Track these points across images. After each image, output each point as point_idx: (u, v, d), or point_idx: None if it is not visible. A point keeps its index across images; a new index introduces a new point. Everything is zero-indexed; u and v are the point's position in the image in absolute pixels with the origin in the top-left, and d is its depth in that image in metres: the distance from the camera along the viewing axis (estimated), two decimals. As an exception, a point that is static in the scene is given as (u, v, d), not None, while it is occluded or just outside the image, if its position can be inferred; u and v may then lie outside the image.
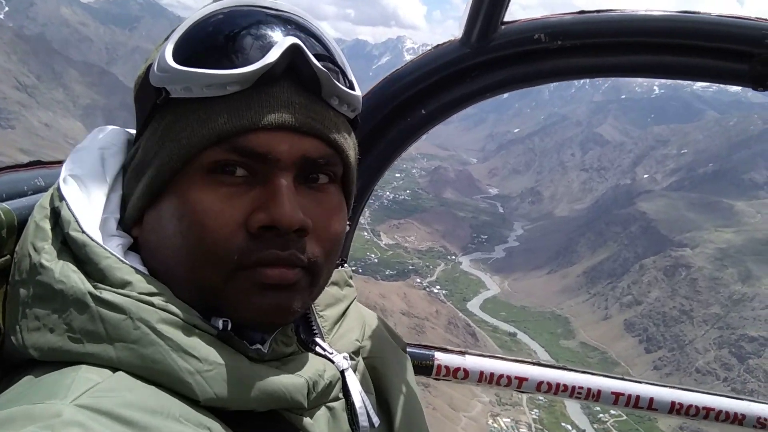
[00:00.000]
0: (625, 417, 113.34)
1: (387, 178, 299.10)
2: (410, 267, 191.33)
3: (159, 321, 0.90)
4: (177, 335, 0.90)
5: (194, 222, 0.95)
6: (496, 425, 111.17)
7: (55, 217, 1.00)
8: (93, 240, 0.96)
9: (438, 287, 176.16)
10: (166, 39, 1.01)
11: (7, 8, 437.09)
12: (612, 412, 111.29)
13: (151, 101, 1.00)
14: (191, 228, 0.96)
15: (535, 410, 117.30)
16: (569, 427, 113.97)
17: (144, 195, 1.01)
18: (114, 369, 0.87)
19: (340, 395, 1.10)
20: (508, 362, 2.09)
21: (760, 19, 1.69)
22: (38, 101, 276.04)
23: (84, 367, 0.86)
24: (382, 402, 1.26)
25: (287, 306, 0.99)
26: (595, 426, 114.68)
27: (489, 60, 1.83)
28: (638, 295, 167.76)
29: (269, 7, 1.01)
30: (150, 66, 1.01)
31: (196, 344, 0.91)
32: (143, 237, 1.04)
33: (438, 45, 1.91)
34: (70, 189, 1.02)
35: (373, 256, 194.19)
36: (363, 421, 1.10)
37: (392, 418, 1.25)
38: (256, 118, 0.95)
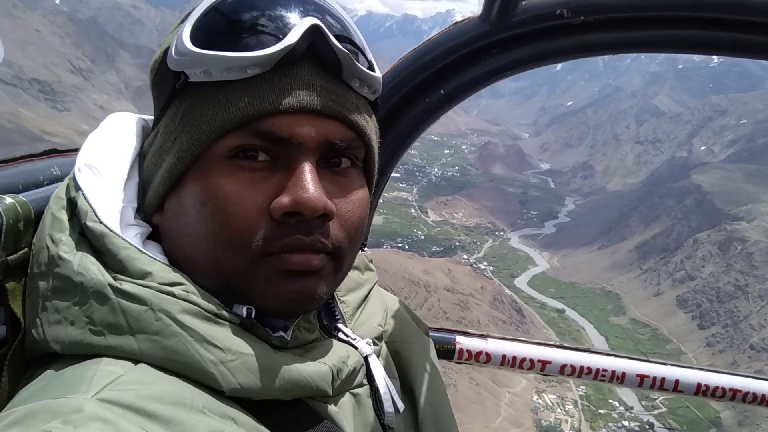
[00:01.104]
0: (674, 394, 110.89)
1: (436, 155, 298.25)
2: (457, 243, 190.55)
3: (180, 311, 0.88)
4: (199, 325, 0.89)
5: (217, 208, 0.93)
6: (541, 401, 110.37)
7: (72, 207, 0.99)
8: (111, 230, 0.94)
9: (485, 264, 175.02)
10: (183, 21, 0.98)
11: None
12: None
13: (170, 86, 0.98)
14: (214, 214, 0.94)
15: (582, 387, 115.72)
16: (616, 403, 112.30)
17: (164, 181, 0.99)
18: (136, 361, 0.86)
19: (365, 381, 1.09)
20: (530, 345, 2.05)
21: (791, -9, 1.65)
22: (93, 84, 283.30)
23: (105, 359, 0.85)
24: (406, 387, 1.25)
25: (312, 292, 0.97)
26: (644, 403, 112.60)
27: (509, 37, 1.79)
28: (691, 270, 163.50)
29: None
30: (167, 50, 0.98)
31: (219, 334, 0.89)
32: (164, 224, 1.02)
33: (456, 22, 1.84)
34: (85, 178, 1.00)
35: (419, 233, 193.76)
36: (388, 406, 1.09)
37: (417, 403, 1.24)
38: (277, 101, 0.93)
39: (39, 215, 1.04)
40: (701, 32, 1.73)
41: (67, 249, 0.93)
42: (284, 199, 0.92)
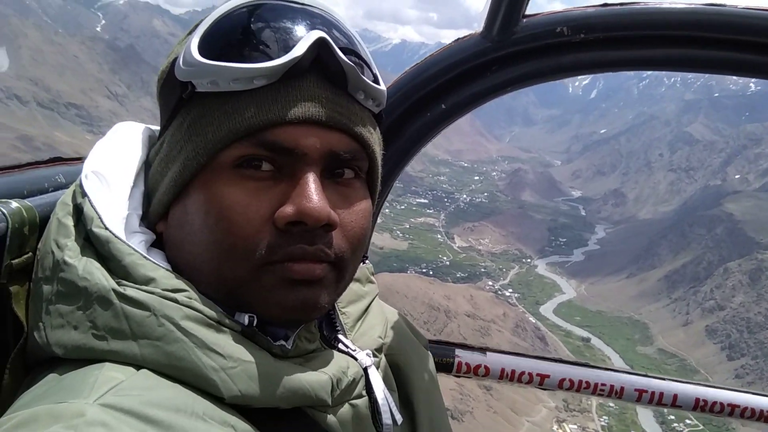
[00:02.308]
0: (701, 426, 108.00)
1: (465, 181, 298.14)
2: (482, 270, 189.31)
3: (183, 318, 0.89)
4: (201, 332, 0.89)
5: (221, 217, 0.94)
6: (561, 431, 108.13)
7: (78, 213, 0.99)
8: (116, 236, 0.95)
9: (510, 290, 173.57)
10: (191, 33, 1.00)
11: (103, 21, 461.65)
12: (687, 420, 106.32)
13: (177, 95, 0.99)
14: (218, 223, 0.94)
15: (605, 417, 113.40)
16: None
17: (170, 190, 1.00)
18: (138, 367, 0.86)
19: (364, 392, 1.09)
20: (529, 359, 2.05)
21: (788, 11, 1.61)
22: (128, 109, 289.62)
23: (108, 364, 0.86)
24: (405, 399, 1.26)
25: (314, 301, 0.97)
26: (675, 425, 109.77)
27: (510, 54, 1.81)
28: (721, 300, 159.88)
29: (294, 1, 1.00)
30: (174, 60, 0.99)
31: (221, 341, 0.90)
32: (168, 232, 1.03)
33: (458, 39, 1.87)
34: (92, 185, 1.01)
35: (444, 258, 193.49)
36: (386, 418, 1.09)
37: (415, 416, 1.25)
38: (283, 112, 0.94)
39: (44, 220, 1.04)
40: (699, 51, 1.76)
41: (72, 254, 0.94)
42: (288, 209, 0.93)
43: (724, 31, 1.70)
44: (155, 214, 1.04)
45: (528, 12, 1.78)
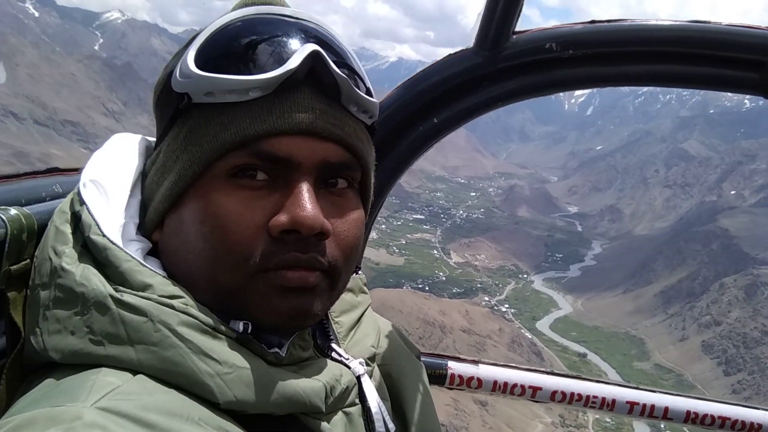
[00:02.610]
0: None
1: (462, 197, 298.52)
2: (478, 285, 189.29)
3: (179, 323, 0.90)
4: (197, 338, 0.90)
5: (216, 225, 0.96)
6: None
7: (76, 221, 1.01)
8: (113, 243, 0.96)
9: (506, 306, 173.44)
10: (188, 45, 1.02)
11: (101, 40, 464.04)
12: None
13: (173, 106, 1.01)
14: (213, 231, 0.96)
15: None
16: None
17: (165, 199, 1.02)
18: (134, 372, 0.87)
19: (357, 401, 1.10)
20: (521, 371, 2.06)
21: (771, 28, 1.65)
22: (124, 126, 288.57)
23: (104, 369, 0.87)
24: (397, 409, 1.27)
25: (307, 309, 0.99)
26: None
27: (501, 69, 1.84)
28: (717, 315, 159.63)
29: (289, 15, 1.03)
30: (171, 73, 1.01)
31: (216, 347, 0.91)
32: (164, 241, 1.05)
33: (450, 54, 1.90)
34: (90, 193, 1.02)
35: (441, 274, 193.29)
36: (379, 426, 1.10)
37: (407, 425, 1.26)
38: (277, 123, 0.96)
39: (42, 228, 1.06)
40: (686, 68, 1.79)
41: (69, 261, 0.95)
42: (282, 218, 0.95)
43: (709, 48, 1.74)
44: (151, 222, 1.05)
45: (518, 29, 1.80)
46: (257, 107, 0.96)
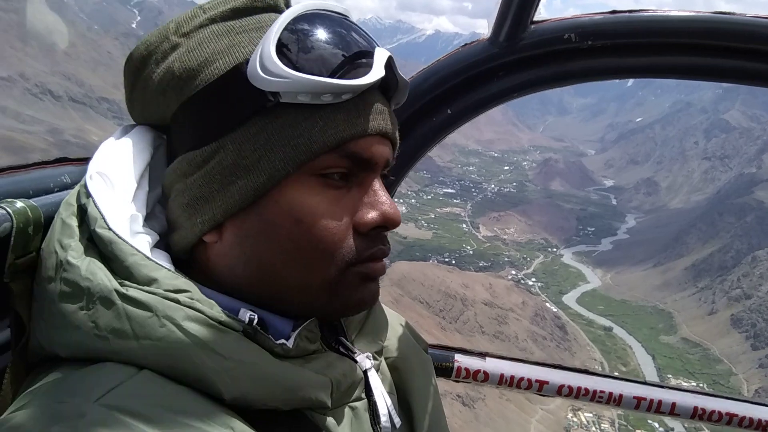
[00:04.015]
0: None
1: (494, 171, 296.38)
2: (506, 259, 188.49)
3: (185, 318, 0.89)
4: (203, 332, 0.90)
5: (313, 224, 0.99)
6: (576, 419, 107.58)
7: (82, 214, 1.00)
8: (119, 237, 0.95)
9: (533, 279, 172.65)
10: (251, 36, 1.01)
11: (139, 18, 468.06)
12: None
13: (249, 102, 0.98)
14: (311, 230, 0.99)
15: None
16: (656, 424, 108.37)
17: (240, 199, 1.00)
18: (139, 367, 0.87)
19: (363, 395, 1.11)
20: (529, 365, 2.08)
21: (796, 20, 1.67)
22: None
23: (109, 365, 0.87)
24: (404, 403, 1.27)
25: (378, 292, 1.09)
26: (686, 425, 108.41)
27: (517, 59, 1.83)
28: (748, 288, 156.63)
29: (341, 13, 1.05)
30: (238, 65, 0.99)
31: (222, 341, 0.90)
32: (230, 241, 1.03)
33: (465, 44, 1.89)
34: (96, 186, 1.01)
35: (468, 248, 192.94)
36: (385, 421, 1.11)
37: (414, 419, 1.26)
38: (365, 126, 1.00)
39: (48, 221, 1.05)
40: (709, 60, 1.77)
41: (75, 254, 0.94)
42: (373, 215, 1.03)
43: (732, 40, 1.71)
44: (209, 223, 1.02)
45: (536, 18, 1.78)
46: (348, 110, 0.99)
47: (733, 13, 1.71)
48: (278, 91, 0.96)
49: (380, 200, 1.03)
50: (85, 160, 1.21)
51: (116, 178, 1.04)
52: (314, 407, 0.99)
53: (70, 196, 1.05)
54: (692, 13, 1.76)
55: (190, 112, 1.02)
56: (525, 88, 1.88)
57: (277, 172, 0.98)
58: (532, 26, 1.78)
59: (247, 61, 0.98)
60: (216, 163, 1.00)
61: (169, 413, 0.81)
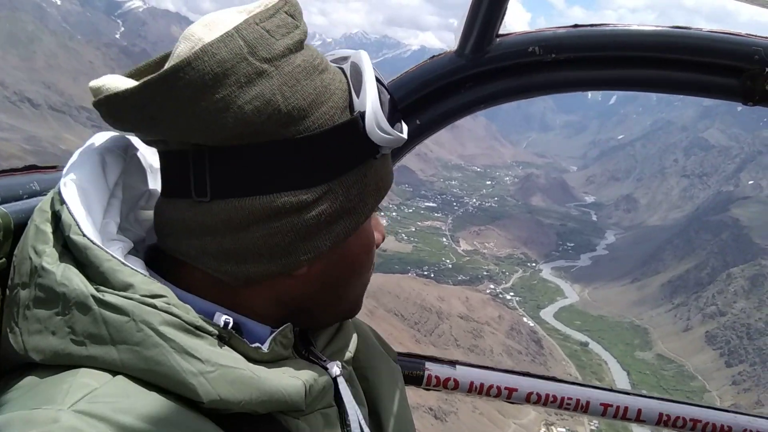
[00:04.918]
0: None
1: (476, 186, 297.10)
2: (485, 273, 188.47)
3: (161, 323, 0.90)
4: (179, 336, 0.90)
5: (372, 250, 1.17)
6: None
7: (56, 220, 1.00)
8: (94, 243, 0.95)
9: (511, 294, 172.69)
10: (360, 90, 1.05)
11: (123, 28, 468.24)
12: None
13: (363, 154, 1.05)
14: (370, 255, 1.17)
15: (595, 421, 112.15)
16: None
17: (344, 237, 1.07)
18: (114, 372, 0.87)
19: (333, 403, 1.13)
20: (498, 373, 2.12)
21: (750, 35, 1.74)
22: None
23: (82, 370, 0.87)
24: (373, 412, 1.30)
25: None
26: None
27: (484, 72, 1.87)
28: (723, 305, 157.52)
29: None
30: (357, 116, 1.03)
31: (199, 345, 0.91)
32: (320, 273, 1.09)
33: (433, 56, 1.93)
34: (70, 192, 1.01)
35: (447, 261, 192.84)
36: (355, 428, 1.13)
37: (383, 428, 1.30)
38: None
39: (18, 227, 1.05)
40: (667, 73, 1.82)
41: (50, 260, 0.94)
42: (378, 236, 1.18)
43: (690, 53, 1.76)
44: (311, 259, 1.05)
45: (501, 32, 1.82)
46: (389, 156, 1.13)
47: (691, 28, 1.76)
48: (383, 145, 1.04)
49: (379, 222, 1.17)
50: (54, 168, 1.24)
51: (90, 185, 1.03)
52: (289, 410, 1.01)
53: (44, 202, 1.04)
54: (652, 28, 1.79)
55: (292, 151, 0.99)
56: (492, 99, 1.93)
57: (369, 213, 1.09)
58: (498, 39, 1.82)
59: (361, 114, 1.02)
60: (327, 206, 1.03)
61: (141, 421, 0.81)
